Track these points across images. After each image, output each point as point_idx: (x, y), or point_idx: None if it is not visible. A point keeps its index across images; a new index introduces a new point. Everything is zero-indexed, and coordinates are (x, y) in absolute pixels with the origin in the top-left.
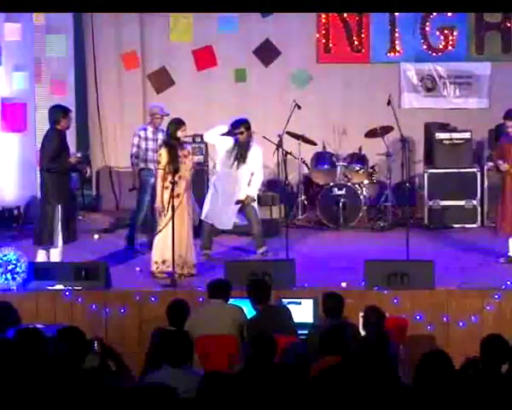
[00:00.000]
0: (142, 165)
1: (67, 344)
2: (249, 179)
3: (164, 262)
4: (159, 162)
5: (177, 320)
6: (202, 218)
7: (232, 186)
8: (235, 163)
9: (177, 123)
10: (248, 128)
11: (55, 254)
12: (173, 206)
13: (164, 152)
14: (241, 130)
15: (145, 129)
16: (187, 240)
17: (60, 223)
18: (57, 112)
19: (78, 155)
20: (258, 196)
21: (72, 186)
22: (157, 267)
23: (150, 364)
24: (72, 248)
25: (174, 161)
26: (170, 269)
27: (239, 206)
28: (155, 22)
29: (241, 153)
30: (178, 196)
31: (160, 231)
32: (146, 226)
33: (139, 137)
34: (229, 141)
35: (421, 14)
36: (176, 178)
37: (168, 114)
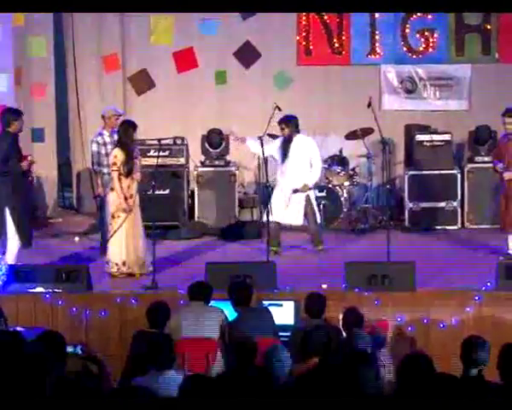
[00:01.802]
0: (105, 170)
1: (47, 348)
2: (302, 170)
3: (124, 263)
4: (114, 164)
5: (158, 322)
6: (271, 219)
7: (286, 181)
8: (283, 159)
9: (134, 125)
10: (289, 124)
11: (9, 258)
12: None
13: (119, 153)
14: (281, 126)
15: (101, 134)
16: (142, 240)
17: (9, 227)
18: (9, 115)
19: (29, 158)
20: (239, 198)
21: (26, 190)
22: (118, 269)
23: (134, 368)
24: (52, 250)
25: (129, 163)
26: (130, 270)
27: (303, 200)
28: (136, 24)
29: (284, 148)
30: (131, 196)
31: (115, 233)
32: None
33: (97, 143)
34: (277, 140)
35: (401, 16)
36: (128, 180)
37: (122, 114)
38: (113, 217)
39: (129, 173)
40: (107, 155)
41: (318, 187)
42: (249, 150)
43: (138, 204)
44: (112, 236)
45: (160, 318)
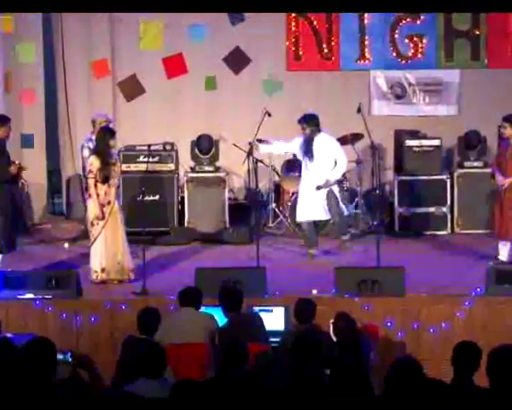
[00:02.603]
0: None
1: (37, 355)
2: (326, 168)
3: (103, 270)
4: (90, 171)
5: (148, 328)
6: (298, 220)
7: (311, 180)
8: (306, 158)
9: (111, 132)
10: (310, 123)
11: None
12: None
13: (95, 160)
14: (302, 125)
15: (91, 139)
16: (122, 246)
17: None
18: None
19: (17, 162)
20: (229, 203)
21: (14, 196)
22: (97, 276)
23: (124, 375)
24: (42, 257)
25: (105, 169)
26: (109, 276)
27: (324, 199)
28: (125, 30)
29: (307, 147)
30: (109, 203)
31: (94, 241)
32: None
33: (89, 149)
34: (298, 139)
35: (390, 21)
36: (105, 186)
37: (112, 121)
38: (92, 224)
39: (105, 180)
40: None
41: None
42: (238, 157)
43: (118, 210)
44: (92, 243)
45: (150, 323)
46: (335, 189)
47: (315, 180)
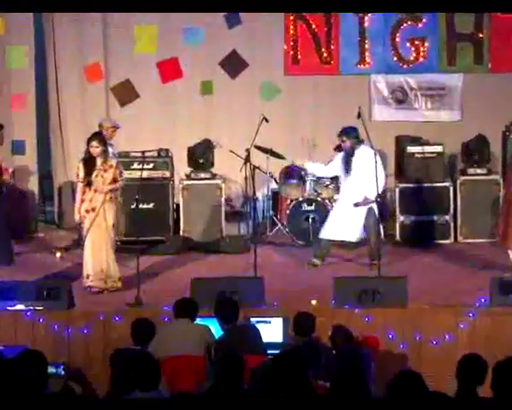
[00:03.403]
0: None
1: (28, 368)
2: (365, 183)
3: (88, 277)
4: (77, 175)
5: (142, 339)
6: (322, 236)
7: (348, 196)
8: (345, 172)
9: (92, 136)
10: (350, 136)
11: None
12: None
13: (81, 165)
14: (342, 139)
15: None
16: (107, 253)
17: None
18: None
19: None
20: (226, 212)
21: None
22: (85, 282)
23: (118, 388)
24: (33, 266)
25: (89, 175)
26: (93, 283)
27: (363, 214)
28: (119, 33)
29: (346, 161)
30: (94, 209)
31: (83, 245)
32: None
33: None
34: (337, 157)
35: (391, 24)
36: (91, 192)
37: (119, 127)
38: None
39: (89, 186)
40: None
41: (307, 200)
42: (235, 164)
43: (105, 217)
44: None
45: (144, 334)
46: (375, 207)
47: (354, 197)
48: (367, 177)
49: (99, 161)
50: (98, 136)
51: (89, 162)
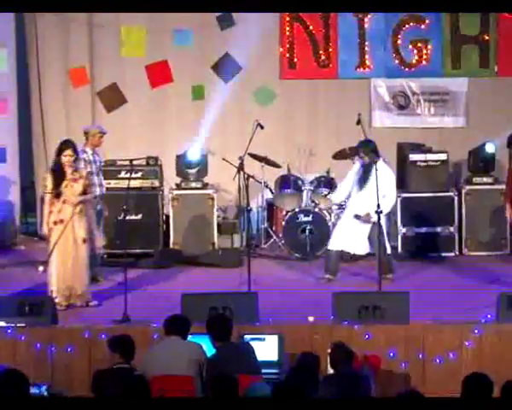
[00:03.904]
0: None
1: (8, 389)
2: (376, 199)
3: (51, 292)
4: (45, 186)
5: (127, 355)
6: (329, 247)
7: (358, 209)
8: (358, 186)
9: (64, 144)
10: (369, 151)
11: None
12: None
13: (48, 175)
14: (360, 154)
15: (85, 151)
16: (74, 268)
17: None
18: None
19: None
20: (218, 223)
21: None
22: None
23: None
24: (14, 280)
25: (58, 186)
26: (57, 300)
27: (367, 231)
28: (105, 35)
29: (363, 176)
30: (62, 221)
31: (48, 259)
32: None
33: (84, 161)
34: (352, 170)
35: (392, 26)
36: (60, 203)
37: (106, 132)
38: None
39: (57, 197)
40: (91, 174)
41: (303, 211)
42: (228, 172)
43: (75, 230)
44: (47, 263)
45: (126, 350)
46: (383, 223)
47: (361, 210)
48: (379, 192)
49: (69, 171)
50: (71, 144)
51: (57, 172)
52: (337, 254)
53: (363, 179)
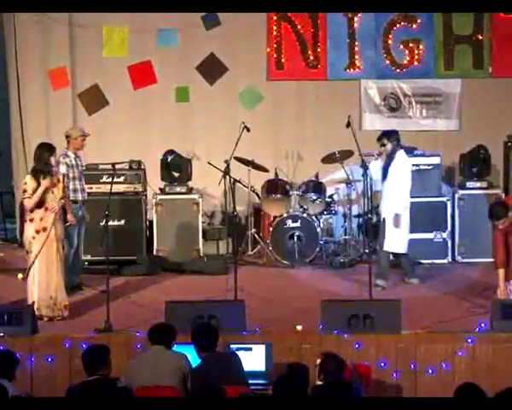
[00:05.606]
0: (71, 196)
1: None
2: (395, 191)
3: (33, 304)
4: (24, 191)
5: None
6: (390, 250)
7: (387, 205)
8: (382, 178)
9: (50, 148)
10: (391, 138)
11: None
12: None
13: (30, 180)
14: (383, 142)
15: (68, 155)
16: (57, 279)
17: None
18: None
19: None
20: (204, 229)
21: None
22: None
23: None
24: None
25: (43, 192)
26: (40, 313)
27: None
28: (87, 35)
29: (384, 167)
30: (44, 229)
31: (29, 271)
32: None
33: (67, 165)
34: (378, 162)
35: (383, 26)
36: (42, 210)
37: (89, 135)
38: (27, 252)
39: (41, 204)
40: (74, 178)
41: (291, 216)
42: (214, 177)
43: (57, 239)
44: (27, 274)
45: (96, 361)
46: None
47: (388, 204)
48: (398, 186)
49: (49, 175)
50: (53, 147)
51: (38, 176)
52: (387, 255)
53: (385, 171)
